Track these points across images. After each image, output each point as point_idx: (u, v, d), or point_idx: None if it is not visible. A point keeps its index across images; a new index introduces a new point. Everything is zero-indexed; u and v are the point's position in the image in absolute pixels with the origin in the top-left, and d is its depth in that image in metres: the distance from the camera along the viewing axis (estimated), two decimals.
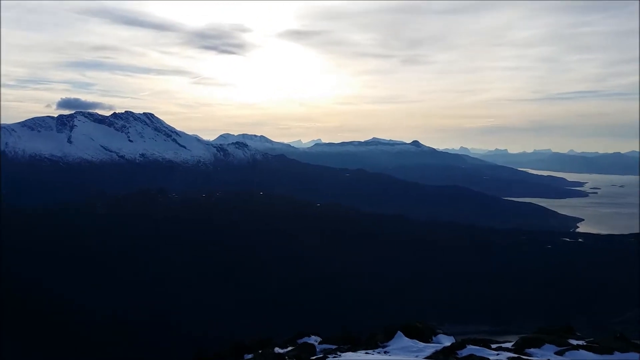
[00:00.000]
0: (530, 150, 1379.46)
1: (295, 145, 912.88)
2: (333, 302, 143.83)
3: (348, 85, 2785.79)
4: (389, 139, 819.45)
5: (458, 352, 17.09)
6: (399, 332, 20.11)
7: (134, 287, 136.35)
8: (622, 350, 19.24)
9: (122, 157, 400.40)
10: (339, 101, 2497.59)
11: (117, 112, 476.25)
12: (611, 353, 18.68)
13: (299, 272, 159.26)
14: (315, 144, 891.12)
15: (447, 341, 19.86)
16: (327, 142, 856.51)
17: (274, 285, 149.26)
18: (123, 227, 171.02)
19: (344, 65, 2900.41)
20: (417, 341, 19.55)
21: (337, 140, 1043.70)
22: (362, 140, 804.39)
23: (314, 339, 21.82)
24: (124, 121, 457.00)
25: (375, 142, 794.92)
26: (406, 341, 19.38)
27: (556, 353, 17.77)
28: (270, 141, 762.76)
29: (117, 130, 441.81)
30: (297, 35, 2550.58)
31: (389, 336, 20.06)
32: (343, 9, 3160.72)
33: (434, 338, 20.77)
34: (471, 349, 17.28)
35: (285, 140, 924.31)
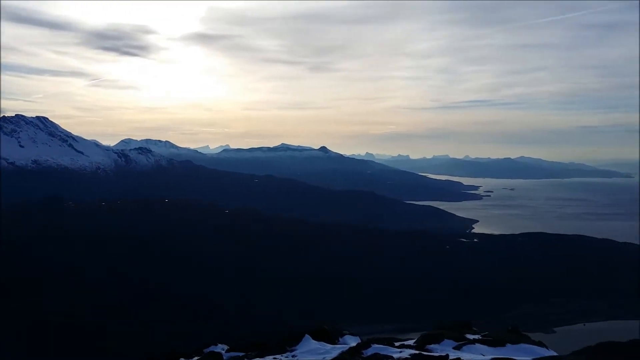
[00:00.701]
0: (430, 156, 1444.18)
1: (203, 151, 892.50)
2: (244, 309, 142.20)
3: (256, 91, 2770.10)
4: (297, 145, 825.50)
5: (363, 351, 17.49)
6: (306, 335, 20.25)
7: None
8: (514, 342, 20.72)
9: (11, 163, 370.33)
10: (247, 107, 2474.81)
11: (6, 115, 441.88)
12: (504, 345, 20.04)
13: (208, 280, 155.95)
14: (223, 150, 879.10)
15: (353, 342, 20.28)
16: (235, 147, 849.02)
17: (184, 295, 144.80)
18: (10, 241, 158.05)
19: (251, 70, 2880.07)
20: (325, 343, 19.79)
21: (246, 146, 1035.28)
22: (271, 146, 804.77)
23: (220, 348, 21.40)
24: (14, 125, 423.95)
25: (283, 147, 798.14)
26: (314, 344, 19.54)
27: (454, 348, 18.72)
28: (176, 147, 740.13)
29: (7, 135, 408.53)
30: (203, 38, 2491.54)
31: (297, 340, 20.13)
32: (250, 15, 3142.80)
33: (340, 339, 21.12)
34: (376, 347, 17.75)
35: (192, 146, 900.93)
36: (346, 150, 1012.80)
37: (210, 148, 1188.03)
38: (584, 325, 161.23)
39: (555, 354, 20.63)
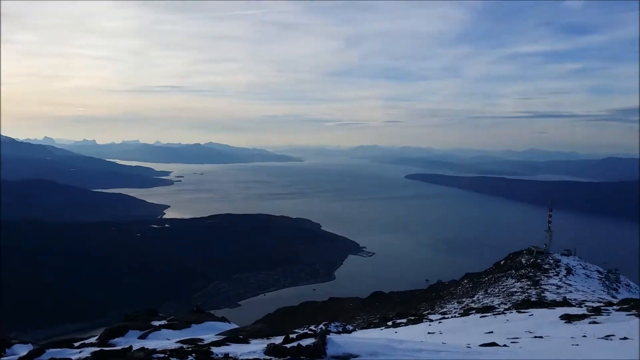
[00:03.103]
0: (119, 141, 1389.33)
1: None
2: None
3: None
4: None
5: (36, 359, 15.70)
6: None
7: None
8: (199, 322, 21.56)
9: None
10: None
11: None
12: (189, 326, 20.65)
13: None
14: None
15: (24, 350, 17.97)
16: None
17: None
18: None
19: None
20: None
21: None
22: None
23: None
24: None
25: None
26: None
27: (139, 337, 18.38)
28: None
29: None
30: None
31: None
32: None
33: (7, 350, 18.47)
34: (51, 352, 16.12)
35: None
36: (20, 134, 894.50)
37: None
38: (264, 295, 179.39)
39: (236, 326, 22.22)
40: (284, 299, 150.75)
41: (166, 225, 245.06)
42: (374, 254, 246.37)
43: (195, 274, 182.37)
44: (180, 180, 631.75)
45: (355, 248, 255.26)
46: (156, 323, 20.26)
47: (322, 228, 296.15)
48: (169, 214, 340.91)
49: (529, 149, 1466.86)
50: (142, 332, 18.52)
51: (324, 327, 30.50)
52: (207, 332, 20.02)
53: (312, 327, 30.83)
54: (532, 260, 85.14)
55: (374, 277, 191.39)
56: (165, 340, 18.37)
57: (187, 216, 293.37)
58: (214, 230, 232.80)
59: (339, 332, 29.59)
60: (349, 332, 31.65)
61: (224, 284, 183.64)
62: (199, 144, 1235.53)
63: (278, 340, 14.56)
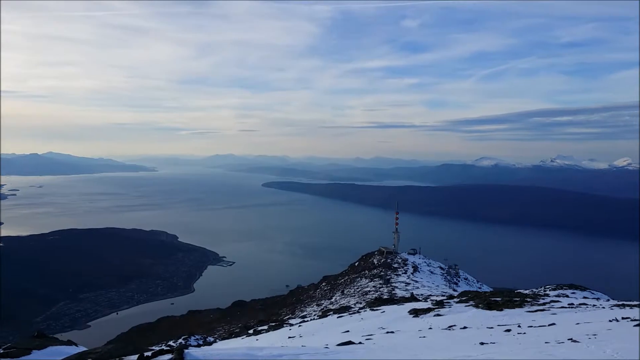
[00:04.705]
0: None
1: None
2: None
3: None
4: None
5: None
6: None
7: None
8: (41, 348, 19.61)
9: None
10: None
11: None
12: (29, 353, 18.70)
13: None
14: None
15: None
16: None
17: None
18: None
19: None
20: None
21: None
22: None
23: None
24: None
25: None
26: None
27: None
28: None
29: None
30: None
31: None
32: None
33: None
34: None
35: None
36: None
37: None
38: (117, 314, 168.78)
39: (85, 349, 20.61)
40: (140, 316, 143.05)
41: (0, 245, 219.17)
42: (234, 263, 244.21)
43: (35, 296, 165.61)
44: (14, 194, 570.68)
45: (214, 258, 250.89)
46: None
47: (179, 239, 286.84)
48: (2, 232, 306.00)
49: (376, 156, 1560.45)
50: None
51: (182, 342, 29.55)
52: (50, 358, 18.38)
53: (171, 343, 29.64)
54: (382, 260, 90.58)
55: (235, 286, 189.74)
56: None
57: (24, 233, 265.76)
58: (55, 247, 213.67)
59: (199, 346, 28.87)
60: (210, 344, 31.01)
61: (70, 305, 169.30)
62: (36, 153, 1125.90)
63: (132, 359, 13.80)
